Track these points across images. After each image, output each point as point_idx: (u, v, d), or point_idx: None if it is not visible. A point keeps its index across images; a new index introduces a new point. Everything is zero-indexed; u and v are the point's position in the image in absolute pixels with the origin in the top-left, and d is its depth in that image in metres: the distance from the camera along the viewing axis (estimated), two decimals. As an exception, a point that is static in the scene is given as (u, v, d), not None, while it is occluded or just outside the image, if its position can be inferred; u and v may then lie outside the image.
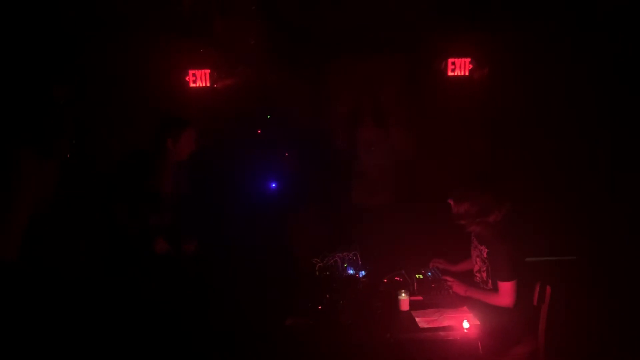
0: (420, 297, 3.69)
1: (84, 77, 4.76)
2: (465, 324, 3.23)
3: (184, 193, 4.02)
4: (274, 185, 5.51)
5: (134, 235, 3.68)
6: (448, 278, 3.68)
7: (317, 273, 3.99)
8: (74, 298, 3.33)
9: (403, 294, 3.54)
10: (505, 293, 3.47)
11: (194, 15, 4.82)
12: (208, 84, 5.34)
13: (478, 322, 3.29)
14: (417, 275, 3.92)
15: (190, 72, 5.31)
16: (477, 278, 3.80)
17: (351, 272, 3.99)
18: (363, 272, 3.99)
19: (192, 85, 5.34)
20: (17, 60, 3.97)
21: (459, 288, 3.63)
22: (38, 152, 3.09)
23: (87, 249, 3.61)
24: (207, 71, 5.31)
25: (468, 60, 5.34)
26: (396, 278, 3.94)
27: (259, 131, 5.51)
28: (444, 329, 3.25)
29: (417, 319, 3.37)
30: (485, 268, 3.69)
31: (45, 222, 3.10)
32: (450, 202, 3.72)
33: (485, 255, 3.68)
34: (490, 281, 3.67)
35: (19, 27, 4.22)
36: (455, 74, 5.37)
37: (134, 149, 4.01)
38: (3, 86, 3.39)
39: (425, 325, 3.29)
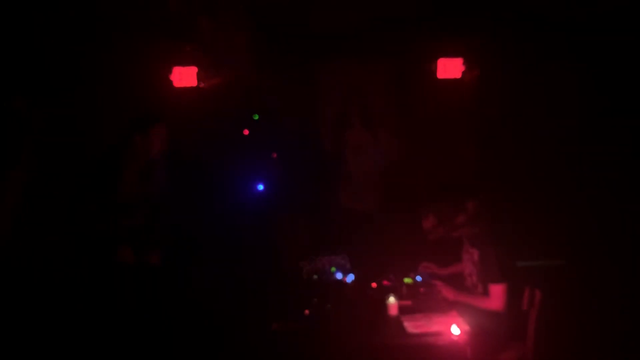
0: (409, 302, 3.64)
1: (49, 84, 4.63)
2: (454, 329, 3.18)
3: (158, 192, 3.91)
4: (260, 186, 5.44)
5: (105, 238, 3.56)
6: (437, 282, 3.64)
7: (304, 277, 3.93)
8: (44, 302, 3.25)
9: (391, 299, 3.49)
10: (496, 296, 3.43)
11: (179, 15, 4.74)
12: (194, 84, 5.25)
13: (467, 327, 3.24)
14: (405, 280, 3.88)
15: (176, 70, 5.21)
16: (468, 282, 3.76)
17: (339, 276, 3.93)
18: (351, 276, 3.93)
19: (177, 84, 5.24)
20: None
21: (448, 292, 3.58)
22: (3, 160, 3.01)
23: (58, 254, 3.51)
24: (194, 70, 5.23)
25: (460, 61, 5.30)
26: (385, 282, 3.90)
27: (246, 131, 5.44)
28: (432, 334, 3.20)
29: (405, 324, 3.32)
30: (476, 272, 3.65)
31: (15, 232, 3.03)
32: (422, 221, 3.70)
33: (476, 259, 3.64)
34: (480, 285, 3.63)
35: None
36: (446, 75, 5.32)
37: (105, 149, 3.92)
38: None
39: (414, 331, 3.24)
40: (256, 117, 5.44)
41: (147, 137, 3.79)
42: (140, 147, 3.79)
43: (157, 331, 3.35)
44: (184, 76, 5.26)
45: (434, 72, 5.29)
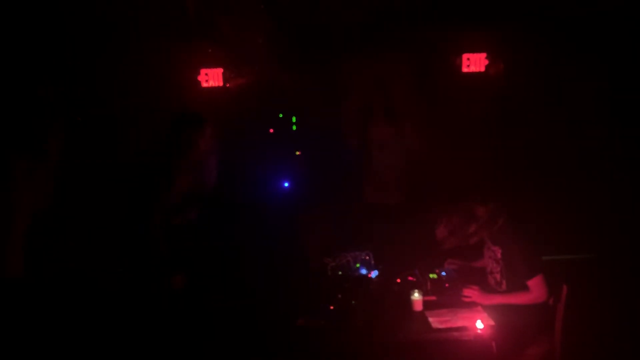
0: (433, 297, 3.64)
1: (77, 78, 4.75)
2: (479, 324, 3.18)
3: (208, 190, 3.98)
4: (285, 184, 5.50)
5: (159, 237, 3.63)
6: (468, 292, 3.56)
7: (329, 273, 3.96)
8: (82, 307, 3.33)
9: (416, 294, 3.50)
10: (536, 288, 3.42)
11: (202, 16, 4.83)
12: (221, 84, 5.34)
13: (492, 322, 3.24)
14: (430, 275, 3.88)
15: (203, 71, 5.31)
16: (491, 280, 3.75)
17: (363, 272, 3.96)
18: (376, 272, 3.95)
19: (204, 85, 5.34)
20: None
21: (481, 299, 3.51)
22: (27, 156, 3.03)
23: (97, 255, 3.61)
24: (220, 70, 5.31)
25: (484, 55, 5.26)
26: (409, 278, 3.90)
27: (271, 130, 5.50)
28: (457, 329, 3.21)
29: (430, 320, 3.34)
30: (499, 269, 3.64)
31: (45, 231, 3.06)
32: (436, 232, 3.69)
33: (499, 256, 3.62)
34: (504, 282, 3.62)
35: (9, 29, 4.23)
36: (471, 69, 5.29)
37: (146, 150, 4.01)
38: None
39: (439, 326, 3.26)
40: (281, 115, 5.50)
41: (199, 138, 3.85)
42: (191, 149, 3.84)
43: (184, 327, 3.43)
44: (211, 77, 5.36)
45: (458, 66, 5.26)
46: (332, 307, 3.50)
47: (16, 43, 4.27)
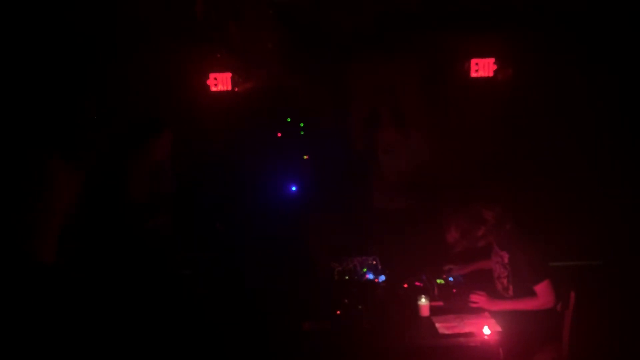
0: (440, 303, 3.63)
1: (111, 90, 4.85)
2: (486, 330, 3.16)
3: (167, 192, 4.02)
4: (293, 188, 5.51)
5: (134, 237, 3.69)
6: (475, 298, 3.54)
7: (335, 277, 3.96)
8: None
9: (423, 299, 3.48)
10: (544, 294, 3.40)
11: (211, 21, 4.85)
12: (229, 88, 5.36)
13: (499, 328, 3.22)
14: (438, 281, 3.87)
15: (212, 75, 5.34)
16: (498, 285, 3.73)
17: (370, 276, 3.95)
18: (383, 277, 3.94)
19: (213, 89, 5.37)
20: (49, 80, 4.07)
21: (488, 304, 3.49)
22: (67, 163, 3.15)
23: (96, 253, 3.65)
24: (229, 75, 5.34)
25: (492, 60, 5.25)
26: (416, 283, 3.89)
27: (279, 134, 5.51)
28: (464, 335, 3.19)
29: (437, 325, 3.32)
30: (506, 274, 3.62)
31: (75, 228, 3.16)
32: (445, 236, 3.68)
33: (506, 261, 3.61)
34: (511, 287, 3.60)
35: (46, 44, 4.33)
36: (479, 74, 5.28)
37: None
38: (34, 101, 3.49)
39: (446, 332, 3.24)
40: (289, 120, 5.52)
41: (155, 142, 3.94)
42: (148, 151, 3.92)
43: (187, 329, 3.44)
44: (220, 81, 5.39)
45: (466, 71, 5.25)
46: (338, 312, 3.50)
47: (54, 56, 4.38)
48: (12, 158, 2.89)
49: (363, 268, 3.99)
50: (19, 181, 2.86)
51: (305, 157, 5.52)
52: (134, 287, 3.53)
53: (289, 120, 5.53)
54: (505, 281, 3.65)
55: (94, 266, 3.40)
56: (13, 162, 2.90)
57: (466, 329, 3.24)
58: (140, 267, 3.65)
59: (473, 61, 5.25)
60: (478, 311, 3.47)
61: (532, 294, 3.45)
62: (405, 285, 3.88)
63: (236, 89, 5.35)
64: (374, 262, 4.02)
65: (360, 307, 3.52)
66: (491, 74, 5.22)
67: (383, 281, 3.92)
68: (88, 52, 4.80)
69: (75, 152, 3.23)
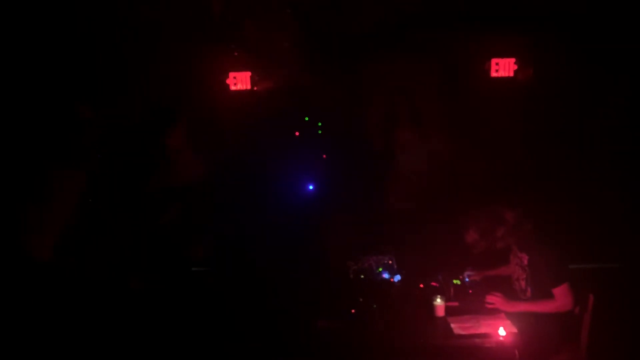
0: (456, 303, 3.61)
1: (131, 90, 4.92)
2: (502, 332, 3.14)
3: (185, 185, 4.04)
4: (310, 186, 5.52)
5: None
6: (491, 299, 3.51)
7: (351, 276, 3.96)
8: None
9: (438, 300, 3.48)
10: (562, 297, 3.37)
11: (229, 20, 4.90)
12: (249, 87, 5.39)
13: (515, 330, 3.20)
14: (454, 281, 3.84)
15: (231, 74, 5.37)
16: (516, 286, 3.70)
17: (386, 276, 3.95)
18: (398, 277, 3.93)
19: (232, 88, 5.40)
20: (48, 85, 4.16)
21: (505, 306, 3.47)
22: (66, 164, 3.24)
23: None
24: (248, 74, 5.37)
25: (513, 60, 5.19)
26: (432, 283, 3.88)
27: (297, 133, 5.53)
28: (479, 336, 3.18)
29: (452, 325, 3.31)
30: (524, 276, 3.59)
31: (77, 226, 3.23)
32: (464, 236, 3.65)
33: (525, 263, 3.58)
34: (529, 289, 3.57)
35: (46, 50, 4.42)
36: (499, 74, 5.22)
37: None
38: (33, 107, 3.58)
39: (461, 332, 3.23)
40: (307, 119, 5.53)
41: (169, 131, 3.94)
42: (162, 140, 3.94)
43: (206, 326, 3.47)
44: (239, 80, 5.42)
45: (486, 71, 5.20)
46: (353, 311, 3.51)
47: (56, 65, 4.47)
48: (16, 161, 3.02)
49: (378, 267, 3.99)
50: (21, 185, 2.98)
51: (323, 156, 5.52)
52: (143, 283, 3.58)
53: (307, 119, 5.55)
54: (523, 283, 3.62)
55: (102, 261, 3.45)
56: (16, 165, 3.03)
57: (481, 330, 3.23)
58: (152, 262, 3.70)
59: (493, 61, 5.19)
60: (494, 312, 3.45)
61: (550, 296, 3.41)
62: (421, 285, 3.87)
63: (255, 88, 5.37)
64: (390, 262, 4.01)
65: (374, 306, 3.53)
66: (512, 74, 5.15)
67: (398, 281, 3.92)
68: (106, 52, 4.89)
69: (77, 156, 3.33)
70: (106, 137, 4.19)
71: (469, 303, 3.61)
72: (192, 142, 4.05)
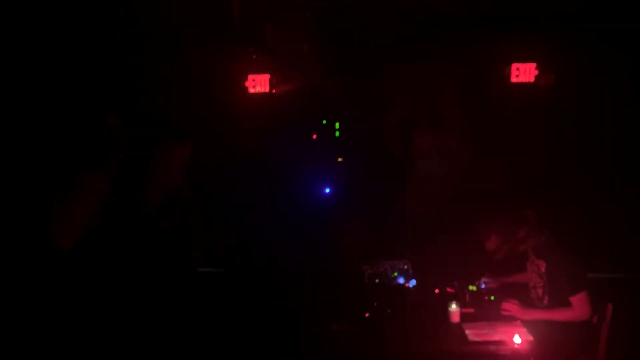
0: (472, 310, 3.59)
1: (135, 103, 4.98)
2: (517, 339, 3.11)
3: (182, 195, 4.07)
4: (327, 189, 5.52)
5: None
6: (507, 306, 3.49)
7: (365, 280, 3.95)
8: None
9: (454, 306, 3.46)
10: (579, 306, 3.33)
11: (247, 22, 4.92)
12: (267, 90, 5.41)
13: (531, 338, 3.16)
14: (470, 287, 3.82)
15: (250, 77, 5.40)
16: (533, 294, 3.65)
17: (401, 280, 3.93)
18: (414, 282, 3.92)
19: (251, 90, 5.42)
20: (75, 89, 4.24)
21: (521, 313, 3.44)
22: (91, 166, 3.34)
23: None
24: (267, 77, 5.38)
25: (534, 65, 5.12)
26: (448, 289, 3.85)
27: (314, 136, 5.53)
28: (494, 343, 3.15)
29: (467, 332, 3.29)
30: (541, 284, 3.55)
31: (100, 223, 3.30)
32: (485, 243, 3.61)
33: (543, 270, 3.53)
34: (546, 297, 3.52)
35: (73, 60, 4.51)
36: (520, 80, 5.15)
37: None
38: (63, 114, 3.69)
39: (475, 339, 3.20)
40: (324, 122, 5.53)
41: (173, 149, 3.99)
42: (166, 158, 3.97)
43: (221, 327, 3.49)
44: (258, 83, 5.43)
45: (507, 76, 5.14)
46: (367, 315, 3.50)
47: (81, 68, 4.56)
48: (45, 163, 3.12)
49: (394, 272, 3.98)
50: (50, 185, 3.09)
51: (340, 159, 5.51)
52: (149, 283, 3.60)
53: (324, 122, 5.55)
54: (540, 291, 3.57)
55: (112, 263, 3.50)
56: (45, 166, 3.13)
57: (496, 337, 3.20)
58: (154, 265, 3.73)
59: (514, 66, 5.12)
60: (510, 319, 3.41)
61: (567, 304, 3.37)
62: (437, 291, 3.85)
63: (274, 91, 5.39)
64: (406, 267, 4.00)
65: (389, 311, 3.52)
66: (532, 80, 5.07)
67: (414, 286, 3.90)
68: (127, 56, 4.96)
69: (99, 159, 3.41)
70: (128, 139, 4.24)
71: (484, 310, 3.58)
72: (209, 145, 4.08)
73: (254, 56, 5.07)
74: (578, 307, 3.34)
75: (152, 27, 4.86)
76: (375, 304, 3.59)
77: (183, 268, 3.73)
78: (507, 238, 3.51)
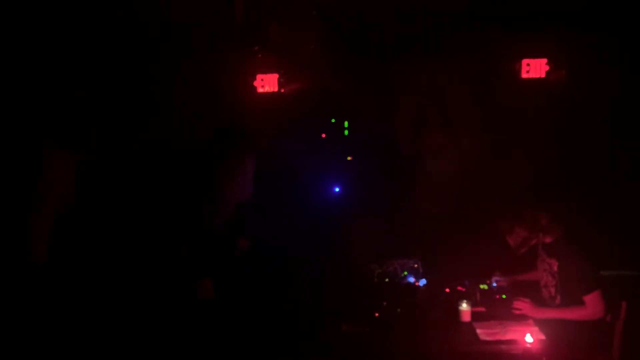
0: (483, 309, 3.57)
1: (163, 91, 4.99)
2: (528, 338, 3.07)
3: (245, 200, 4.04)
4: (336, 188, 5.50)
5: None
6: (519, 304, 3.47)
7: (375, 279, 3.93)
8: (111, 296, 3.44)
9: (464, 305, 3.44)
10: (593, 305, 3.30)
11: (252, 21, 4.92)
12: (276, 89, 5.40)
13: (543, 337, 3.13)
14: (481, 286, 3.79)
15: (259, 77, 5.39)
16: (544, 293, 3.62)
17: (411, 280, 3.91)
18: (424, 281, 3.89)
19: (260, 90, 5.42)
20: (39, 59, 4.20)
21: (533, 312, 3.42)
22: (58, 145, 3.18)
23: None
24: (275, 76, 5.38)
25: (544, 61, 5.06)
26: (459, 288, 3.82)
27: (323, 135, 5.52)
28: (506, 342, 3.13)
29: (478, 331, 3.26)
30: (554, 283, 3.51)
31: (72, 219, 3.19)
32: (507, 239, 3.56)
33: (555, 269, 3.50)
34: (559, 297, 3.49)
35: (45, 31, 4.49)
36: (530, 75, 5.10)
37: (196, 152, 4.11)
38: (23, 83, 3.59)
39: (487, 338, 3.18)
40: (333, 120, 5.52)
41: (238, 150, 3.93)
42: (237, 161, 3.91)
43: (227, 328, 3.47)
44: (267, 82, 5.43)
45: (517, 71, 5.09)
46: (377, 314, 3.48)
47: (55, 48, 4.55)
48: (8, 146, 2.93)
49: (404, 271, 3.95)
50: (14, 169, 2.88)
51: (349, 158, 5.49)
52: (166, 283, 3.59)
53: (333, 121, 5.53)
54: (552, 290, 3.53)
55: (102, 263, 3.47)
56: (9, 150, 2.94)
57: (508, 336, 3.17)
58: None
59: (524, 61, 5.06)
60: (522, 318, 3.39)
61: (580, 303, 3.33)
62: (447, 290, 3.82)
63: (282, 90, 5.38)
64: (416, 266, 3.97)
65: (399, 310, 3.50)
66: (543, 75, 5.01)
67: (424, 285, 3.87)
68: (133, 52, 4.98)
69: (66, 136, 3.28)
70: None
71: (496, 309, 3.55)
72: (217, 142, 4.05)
73: (260, 55, 5.07)
74: (592, 306, 3.30)
75: (163, 26, 4.88)
76: (385, 303, 3.57)
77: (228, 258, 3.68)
78: (533, 227, 3.45)
